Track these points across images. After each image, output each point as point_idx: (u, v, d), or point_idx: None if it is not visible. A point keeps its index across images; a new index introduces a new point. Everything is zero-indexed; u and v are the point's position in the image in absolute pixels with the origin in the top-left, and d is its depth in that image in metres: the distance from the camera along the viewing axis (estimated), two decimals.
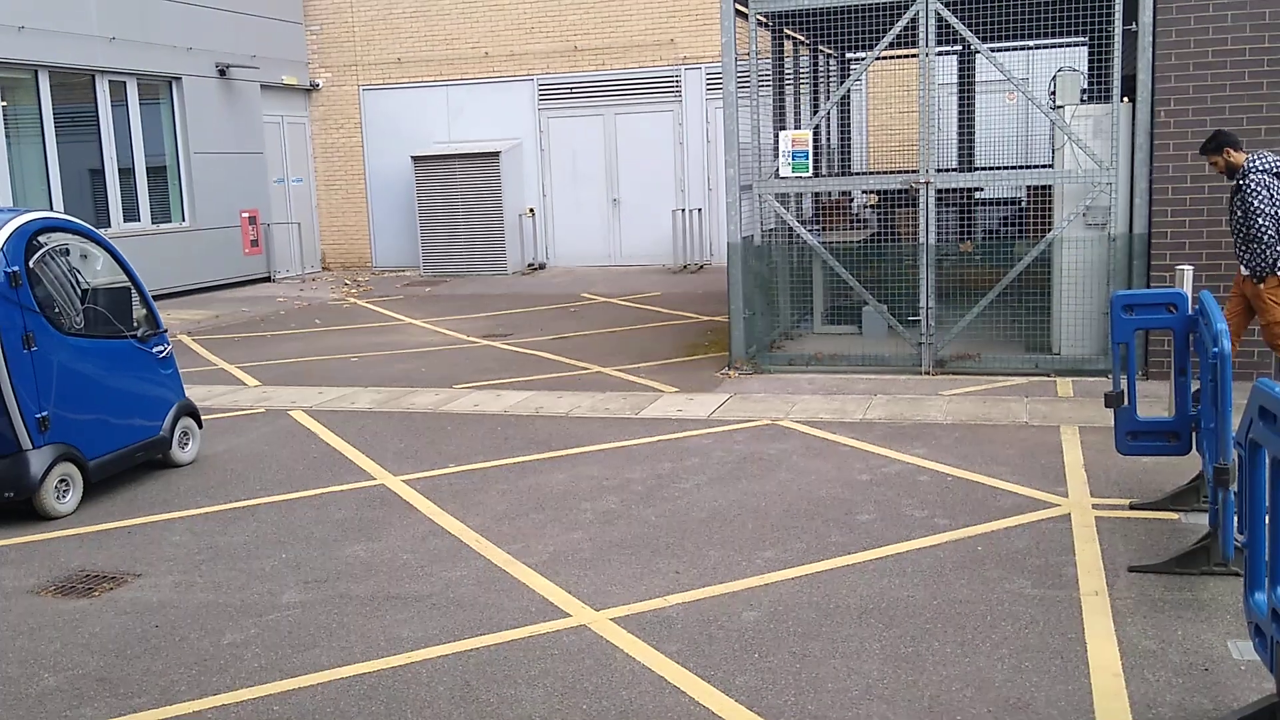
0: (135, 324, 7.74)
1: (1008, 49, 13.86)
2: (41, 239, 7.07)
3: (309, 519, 6.74)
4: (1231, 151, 7.87)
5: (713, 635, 4.88)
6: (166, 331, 8.14)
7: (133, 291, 7.75)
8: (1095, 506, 6.37)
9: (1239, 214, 7.79)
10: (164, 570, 5.97)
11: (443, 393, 10.14)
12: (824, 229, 12.33)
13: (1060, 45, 13.32)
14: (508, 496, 7.01)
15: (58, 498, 6.99)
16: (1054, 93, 10.12)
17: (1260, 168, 7.71)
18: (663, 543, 6.07)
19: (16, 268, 6.77)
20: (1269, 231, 7.64)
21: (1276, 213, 7.66)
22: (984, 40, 10.15)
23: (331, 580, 5.72)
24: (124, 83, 17.38)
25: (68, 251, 7.36)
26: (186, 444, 8.15)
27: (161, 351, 7.98)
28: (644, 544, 6.07)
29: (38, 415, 6.89)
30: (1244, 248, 7.82)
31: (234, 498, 7.24)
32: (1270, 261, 7.71)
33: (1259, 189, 7.67)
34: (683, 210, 19.60)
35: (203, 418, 8.42)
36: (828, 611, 5.08)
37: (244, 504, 7.10)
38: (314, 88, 21.42)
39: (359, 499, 7.11)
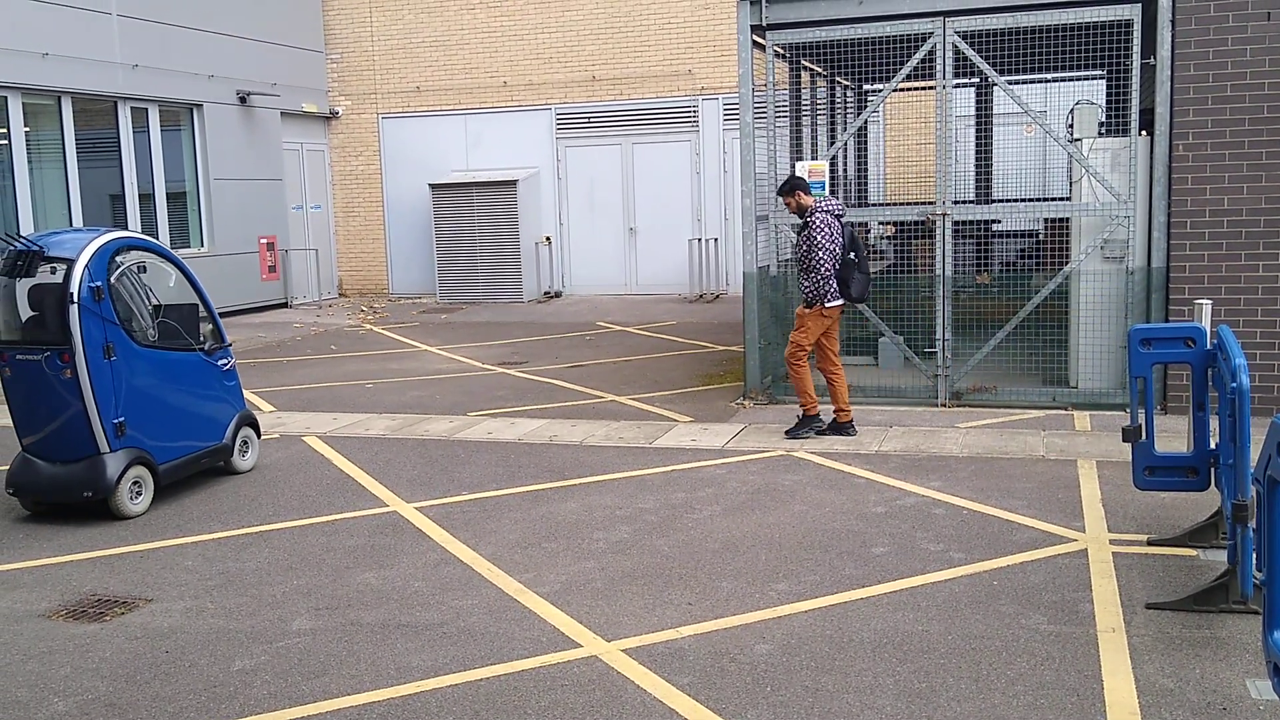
0: (202, 338, 8.19)
1: (1025, 81, 13.87)
2: (120, 257, 7.47)
3: (321, 545, 6.73)
4: (801, 195, 8.93)
5: (725, 668, 4.84)
6: (230, 346, 8.54)
7: (199, 307, 8.19)
8: (1112, 542, 6.31)
9: (804, 248, 8.87)
10: (175, 595, 5.96)
11: (457, 420, 10.14)
12: None
13: (1078, 78, 13.33)
14: (520, 525, 6.99)
15: (131, 499, 7.41)
16: (1072, 125, 10.11)
17: (825, 209, 8.86)
18: (675, 573, 6.04)
19: (100, 283, 7.19)
20: (826, 265, 8.73)
21: (835, 249, 8.77)
22: (1001, 72, 10.16)
23: (342, 607, 5.71)
24: (145, 109, 17.55)
25: (144, 268, 7.78)
26: (246, 452, 8.55)
27: (225, 364, 8.39)
28: (656, 574, 6.03)
29: (115, 420, 7.31)
30: (804, 278, 8.92)
31: (247, 523, 7.23)
32: (822, 293, 8.81)
33: (823, 227, 8.76)
34: (699, 240, 19.63)
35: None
36: (841, 645, 5.04)
37: (256, 530, 7.10)
38: (333, 115, 21.58)
39: (371, 526, 7.09)
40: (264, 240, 19.59)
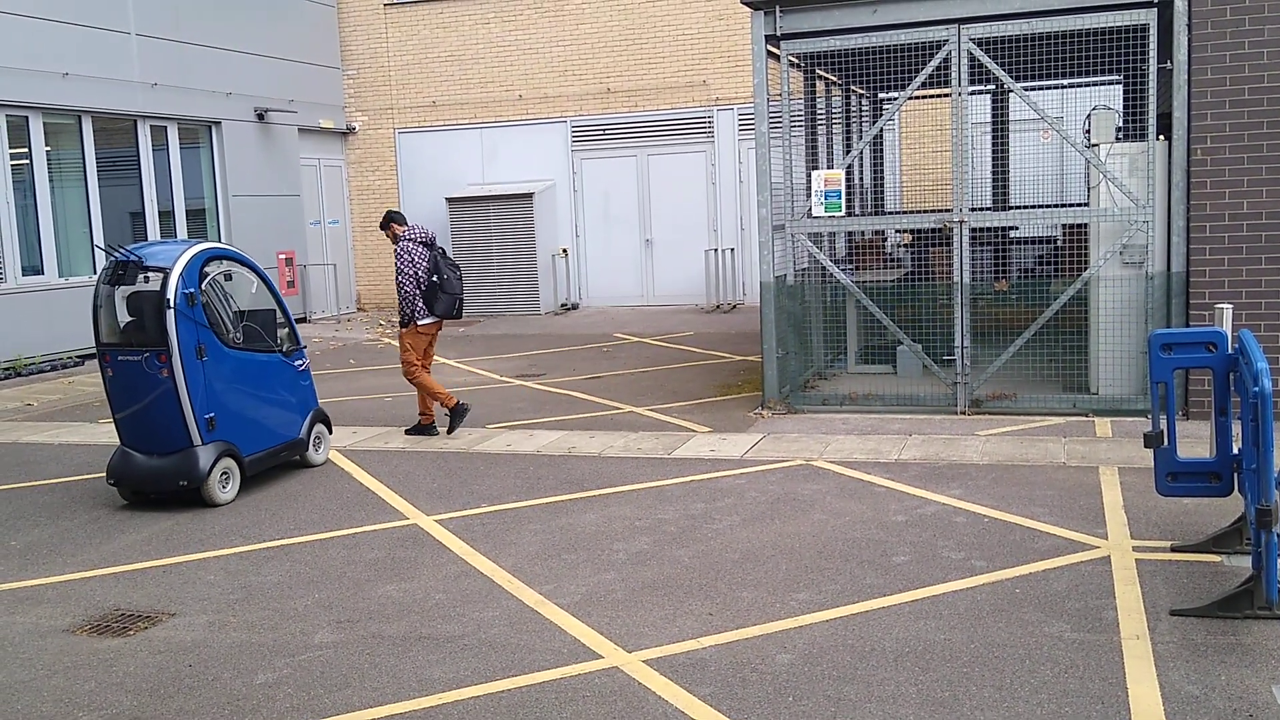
0: (280, 341, 8.79)
1: (1041, 87, 13.85)
2: (209, 266, 8.10)
3: (342, 559, 6.75)
4: (395, 226, 9.97)
5: (746, 678, 4.83)
6: (305, 347, 9.21)
7: (277, 312, 8.80)
8: (1135, 548, 6.27)
9: (396, 273, 9.81)
10: (198, 610, 5.99)
11: (475, 432, 10.16)
12: (857, 268, 12.32)
13: (1095, 84, 13.30)
14: (540, 537, 6.99)
15: (221, 487, 8.03)
16: (1089, 131, 10.08)
17: (409, 237, 9.82)
18: (696, 584, 6.03)
19: (192, 289, 7.84)
20: (407, 288, 9.72)
21: (417, 274, 9.73)
22: (1017, 79, 10.14)
23: (364, 620, 5.72)
24: (165, 127, 17.69)
25: (229, 276, 8.46)
26: (320, 447, 9.20)
27: (301, 365, 9.05)
28: (677, 585, 6.02)
29: (207, 416, 7.94)
30: (399, 300, 9.86)
31: (268, 537, 7.26)
32: (410, 312, 9.79)
33: (405, 254, 9.76)
34: (715, 250, 19.65)
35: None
36: (863, 654, 5.02)
37: (278, 543, 7.12)
38: (350, 131, 21.70)
39: (392, 539, 7.11)
40: (282, 255, 19.68)
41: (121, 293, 7.89)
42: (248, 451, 8.29)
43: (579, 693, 4.76)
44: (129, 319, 7.91)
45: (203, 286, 7.94)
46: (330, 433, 9.42)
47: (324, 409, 9.32)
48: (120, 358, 7.87)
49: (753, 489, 7.87)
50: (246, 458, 8.27)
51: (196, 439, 7.89)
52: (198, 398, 7.85)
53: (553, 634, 5.43)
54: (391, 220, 10.01)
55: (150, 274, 7.77)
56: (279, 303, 8.84)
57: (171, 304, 7.67)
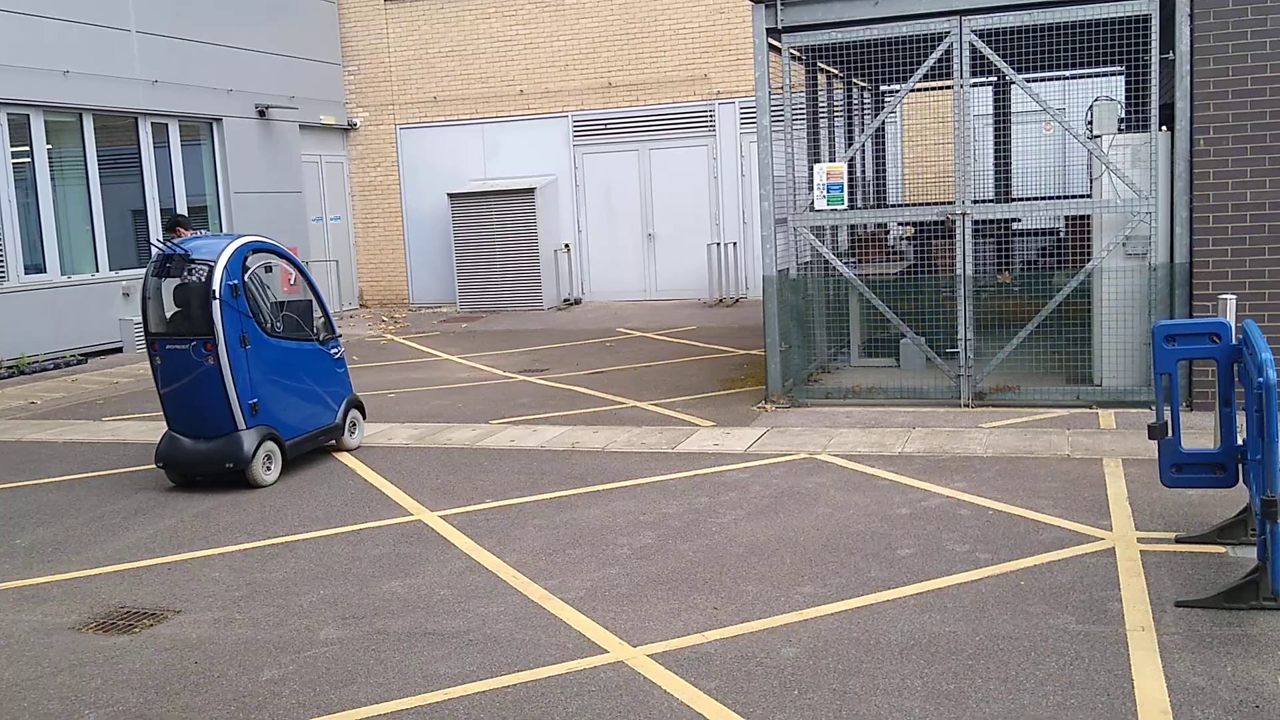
0: (316, 330, 9.17)
1: (1043, 79, 13.81)
2: (250, 259, 8.47)
3: (347, 555, 6.75)
4: (181, 230, 10.37)
5: (751, 672, 4.83)
6: (341, 337, 9.58)
7: (314, 303, 9.17)
8: (1140, 540, 6.27)
9: None
10: (203, 607, 5.99)
11: (479, 428, 10.16)
12: (860, 261, 12.31)
13: (1097, 75, 13.27)
14: (544, 532, 6.99)
15: (265, 470, 8.41)
16: (1091, 122, 10.06)
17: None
18: (700, 578, 6.03)
19: (236, 281, 8.25)
20: None
21: None
22: (1019, 70, 10.12)
23: (369, 616, 5.72)
24: (166, 124, 17.68)
25: (269, 269, 8.88)
26: (354, 431, 9.56)
27: (336, 353, 9.42)
28: (681, 579, 6.03)
29: (250, 401, 8.32)
30: None
31: (273, 534, 7.27)
32: None
33: None
34: (718, 244, 19.63)
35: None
36: (868, 647, 5.02)
37: (283, 540, 7.13)
38: (351, 127, 21.69)
39: (396, 535, 7.12)
40: None
41: (169, 285, 8.28)
42: (288, 436, 8.63)
43: (584, 687, 4.76)
44: (175, 309, 8.30)
45: (245, 278, 8.30)
46: (365, 418, 9.72)
47: (358, 395, 9.62)
48: (168, 346, 8.27)
49: (756, 483, 7.87)
50: (288, 441, 8.61)
51: (241, 423, 8.25)
52: (242, 384, 8.22)
53: (557, 629, 5.44)
54: (177, 224, 10.39)
55: (196, 267, 8.14)
56: (315, 294, 9.20)
57: (217, 295, 8.05)
